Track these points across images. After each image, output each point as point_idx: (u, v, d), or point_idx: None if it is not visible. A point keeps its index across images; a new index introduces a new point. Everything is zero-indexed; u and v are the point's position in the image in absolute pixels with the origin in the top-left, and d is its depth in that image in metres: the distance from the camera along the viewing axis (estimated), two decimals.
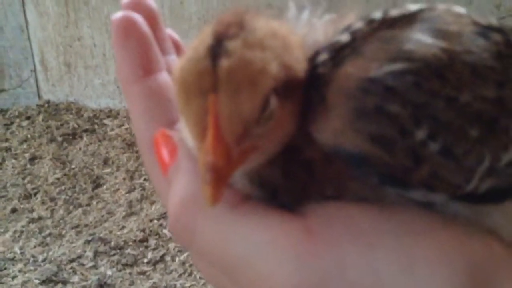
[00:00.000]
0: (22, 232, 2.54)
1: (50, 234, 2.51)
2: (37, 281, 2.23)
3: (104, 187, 2.83)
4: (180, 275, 2.25)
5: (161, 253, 2.37)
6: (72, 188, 2.83)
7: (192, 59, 0.39)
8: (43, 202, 2.74)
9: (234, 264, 0.41)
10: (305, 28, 0.46)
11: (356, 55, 0.40)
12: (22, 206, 2.72)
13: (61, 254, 2.38)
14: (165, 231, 2.47)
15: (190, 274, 2.25)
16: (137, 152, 2.96)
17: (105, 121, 3.42)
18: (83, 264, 2.33)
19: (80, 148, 3.16)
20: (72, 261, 2.34)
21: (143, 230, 2.48)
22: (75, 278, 2.25)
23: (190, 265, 2.27)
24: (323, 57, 0.42)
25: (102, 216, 2.61)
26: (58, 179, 2.91)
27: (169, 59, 0.54)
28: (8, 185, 2.89)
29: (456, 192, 0.41)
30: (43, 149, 3.18)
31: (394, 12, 0.44)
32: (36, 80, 3.70)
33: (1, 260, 2.36)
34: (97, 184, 2.86)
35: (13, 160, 3.11)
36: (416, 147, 0.39)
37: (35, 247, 2.44)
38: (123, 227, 2.52)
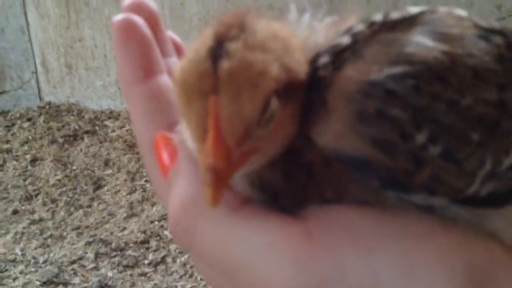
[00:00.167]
0: (23, 233, 2.54)
1: (51, 236, 2.51)
2: (38, 283, 2.22)
3: (105, 188, 2.83)
4: (181, 277, 2.25)
5: (162, 254, 2.37)
6: (73, 190, 2.83)
7: (193, 61, 0.39)
8: (44, 204, 2.74)
9: (234, 266, 0.41)
10: (306, 31, 0.46)
11: (357, 58, 0.40)
12: (23, 207, 2.72)
13: (62, 255, 2.38)
14: (166, 232, 2.47)
15: (191, 276, 2.25)
16: (138, 153, 2.96)
17: (106, 123, 3.42)
18: (84, 266, 2.33)
19: (81, 150, 3.17)
20: (73, 262, 2.34)
21: (144, 232, 2.48)
22: (76, 280, 2.25)
23: (191, 267, 2.27)
24: (324, 59, 0.42)
25: (103, 217, 2.61)
26: (59, 180, 2.91)
27: (170, 61, 0.54)
28: (9, 186, 2.90)
29: (457, 195, 0.40)
30: (44, 150, 3.18)
31: (395, 15, 0.44)
32: (37, 82, 3.71)
33: (2, 262, 2.36)
34: (98, 185, 2.86)
35: (14, 162, 3.11)
36: (417, 150, 0.39)
37: (36, 248, 2.44)
38: (124, 229, 2.52)
